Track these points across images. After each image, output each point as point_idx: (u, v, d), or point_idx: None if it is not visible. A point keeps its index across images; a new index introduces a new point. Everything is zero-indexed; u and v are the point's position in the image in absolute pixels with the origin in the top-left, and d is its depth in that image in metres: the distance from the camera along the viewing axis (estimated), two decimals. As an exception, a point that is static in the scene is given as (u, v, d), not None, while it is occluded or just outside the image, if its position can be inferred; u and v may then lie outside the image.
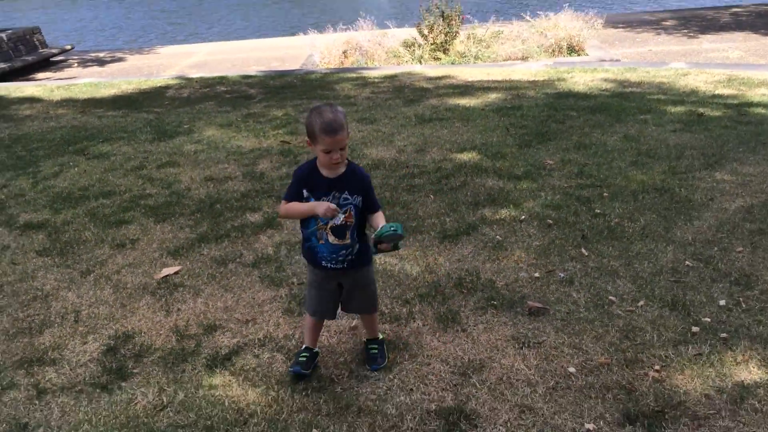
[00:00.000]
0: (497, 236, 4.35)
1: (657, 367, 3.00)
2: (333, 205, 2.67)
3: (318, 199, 2.72)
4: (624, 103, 7.50)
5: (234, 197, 5.32)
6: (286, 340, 3.35)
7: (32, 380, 3.15)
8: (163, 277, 4.06)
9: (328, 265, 2.84)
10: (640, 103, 7.52)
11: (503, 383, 2.96)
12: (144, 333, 3.49)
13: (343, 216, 2.73)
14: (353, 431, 2.71)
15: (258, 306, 3.69)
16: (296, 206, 2.77)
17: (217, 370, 3.14)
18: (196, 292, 3.87)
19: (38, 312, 3.77)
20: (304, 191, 2.74)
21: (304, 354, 3.09)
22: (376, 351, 3.14)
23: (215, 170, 6.04)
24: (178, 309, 3.70)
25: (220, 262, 4.22)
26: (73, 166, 6.46)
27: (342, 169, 2.74)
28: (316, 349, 3.17)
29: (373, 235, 2.72)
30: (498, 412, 2.78)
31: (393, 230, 2.64)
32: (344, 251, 2.81)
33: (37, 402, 3.00)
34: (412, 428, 2.71)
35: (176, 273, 4.11)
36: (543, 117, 7.13)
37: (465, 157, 5.98)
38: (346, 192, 2.75)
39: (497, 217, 4.66)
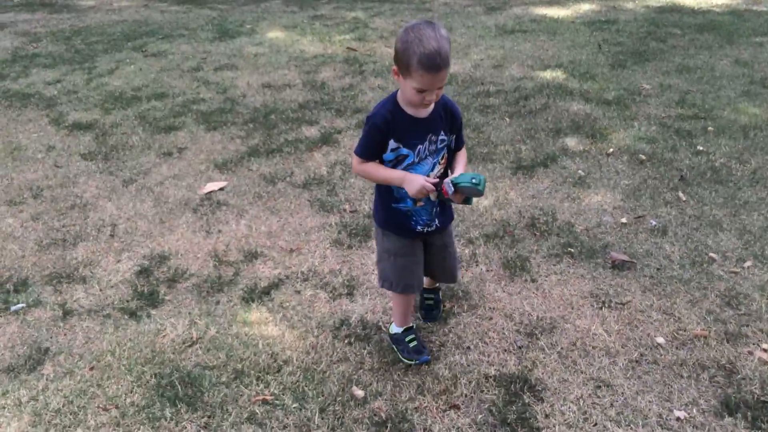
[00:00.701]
0: (579, 171, 3.83)
1: (765, 346, 2.52)
2: (430, 185, 2.07)
3: (412, 147, 2.13)
4: (737, 22, 6.65)
5: (291, 108, 4.91)
6: (331, 275, 3.00)
7: (59, 299, 2.93)
8: (207, 193, 3.75)
9: (424, 229, 2.29)
10: (757, 23, 6.64)
11: (577, 350, 2.53)
12: (181, 255, 3.20)
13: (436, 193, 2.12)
14: (398, 392, 2.36)
15: (305, 234, 3.33)
16: (379, 171, 2.15)
17: (254, 305, 2.83)
18: (240, 212, 3.55)
19: (75, 222, 3.53)
20: (391, 141, 2.13)
21: (411, 338, 2.50)
22: (432, 301, 2.74)
23: (274, 76, 5.62)
24: (219, 231, 3.39)
25: (268, 180, 3.86)
26: (129, 63, 6.16)
27: (432, 105, 2.13)
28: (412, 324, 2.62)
29: (448, 179, 2.12)
30: (569, 385, 2.37)
31: (474, 184, 2.04)
32: (436, 207, 2.28)
33: (61, 324, 2.77)
34: (466, 395, 2.34)
35: (221, 189, 3.79)
36: (642, 34, 6.39)
37: (548, 75, 5.37)
38: (442, 132, 2.17)
39: (581, 148, 4.11)
